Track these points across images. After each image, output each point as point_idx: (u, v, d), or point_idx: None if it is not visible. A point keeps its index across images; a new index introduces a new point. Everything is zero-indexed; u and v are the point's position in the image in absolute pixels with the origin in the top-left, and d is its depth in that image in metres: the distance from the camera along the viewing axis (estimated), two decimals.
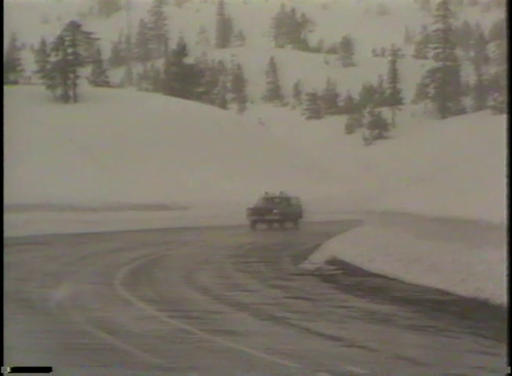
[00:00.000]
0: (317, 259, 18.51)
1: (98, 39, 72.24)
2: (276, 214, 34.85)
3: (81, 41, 65.60)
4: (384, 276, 14.87)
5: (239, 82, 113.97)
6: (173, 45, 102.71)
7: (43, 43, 72.12)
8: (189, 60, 79.86)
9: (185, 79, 74.58)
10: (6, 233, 28.37)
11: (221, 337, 9.19)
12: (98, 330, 9.71)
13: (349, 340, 9.10)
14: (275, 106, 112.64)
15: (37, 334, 9.71)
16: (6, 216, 37.48)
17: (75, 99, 62.65)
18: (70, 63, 63.95)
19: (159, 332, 9.57)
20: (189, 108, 63.44)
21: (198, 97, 72.62)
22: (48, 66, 65.36)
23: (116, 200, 42.44)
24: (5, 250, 22.74)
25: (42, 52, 70.38)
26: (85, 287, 14.03)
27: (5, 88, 63.97)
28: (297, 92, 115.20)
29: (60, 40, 64.89)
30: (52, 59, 65.25)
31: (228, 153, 57.70)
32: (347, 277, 15.33)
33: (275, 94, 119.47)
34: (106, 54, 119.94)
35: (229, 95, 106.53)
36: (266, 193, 37.33)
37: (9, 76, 69.46)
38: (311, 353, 8.38)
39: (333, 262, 17.81)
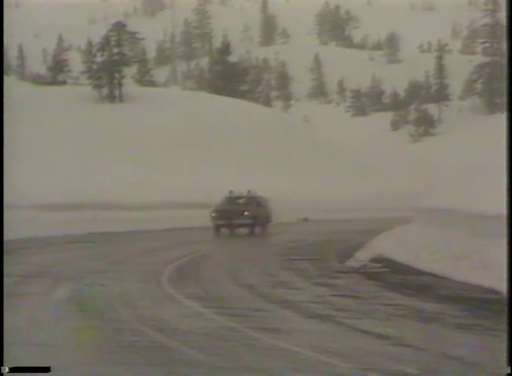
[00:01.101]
0: (362, 257, 18.40)
1: (143, 39, 72.94)
2: (248, 217, 28.91)
3: (126, 41, 66.28)
4: (432, 274, 14.71)
5: (283, 80, 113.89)
6: (217, 43, 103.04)
7: (89, 44, 73.04)
8: (233, 58, 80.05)
9: (230, 77, 74.74)
10: (51, 232, 28.71)
11: (268, 334, 9.20)
12: (145, 327, 9.80)
13: (396, 338, 9.02)
14: (319, 104, 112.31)
15: (85, 331, 9.84)
16: (50, 214, 37.63)
17: (121, 98, 63.32)
18: (115, 63, 64.63)
19: (205, 329, 9.62)
20: (233, 106, 63.61)
21: (242, 95, 72.76)
22: (95, 67, 66.17)
23: (157, 199, 42.73)
24: (52, 248, 23.18)
25: (89, 52, 71.30)
26: (133, 285, 14.17)
27: (54, 88, 65.19)
28: (342, 89, 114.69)
29: (106, 40, 65.64)
30: (98, 59, 66.05)
31: (273, 150, 57.70)
32: (393, 275, 15.21)
33: (319, 91, 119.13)
34: (151, 53, 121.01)
35: (274, 93, 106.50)
36: (231, 191, 31.35)
37: (57, 77, 70.59)
38: (358, 352, 8.33)
39: (379, 259, 17.69)
